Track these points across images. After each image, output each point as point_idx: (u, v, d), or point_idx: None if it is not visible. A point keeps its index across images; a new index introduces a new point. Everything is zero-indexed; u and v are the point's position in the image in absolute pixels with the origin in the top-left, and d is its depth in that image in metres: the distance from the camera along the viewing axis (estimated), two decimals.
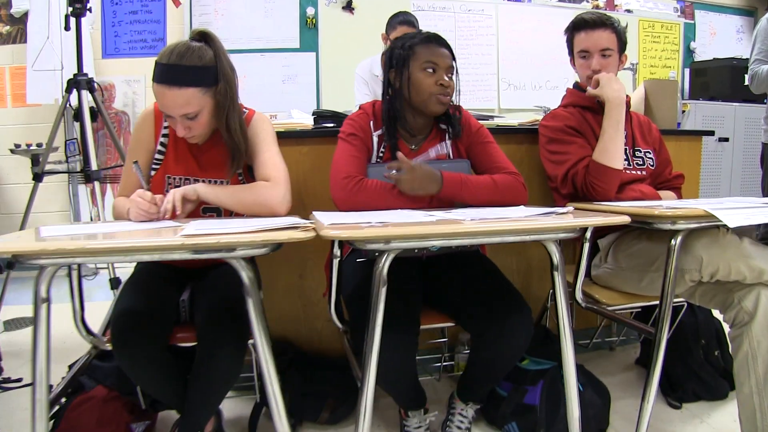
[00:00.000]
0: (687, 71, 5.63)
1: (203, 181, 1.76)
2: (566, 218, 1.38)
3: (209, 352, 1.56)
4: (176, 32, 4.73)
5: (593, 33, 2.11)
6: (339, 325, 1.78)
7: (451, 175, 1.75)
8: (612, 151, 1.98)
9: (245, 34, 4.78)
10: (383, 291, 1.32)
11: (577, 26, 2.15)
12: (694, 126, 4.51)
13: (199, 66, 1.64)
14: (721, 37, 6.03)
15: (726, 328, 1.84)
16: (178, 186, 1.74)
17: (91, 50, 4.52)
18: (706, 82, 5.01)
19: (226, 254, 1.19)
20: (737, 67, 4.88)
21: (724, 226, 1.51)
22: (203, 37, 1.72)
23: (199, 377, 1.58)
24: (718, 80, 4.94)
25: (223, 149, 1.79)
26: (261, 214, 1.67)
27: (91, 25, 4.55)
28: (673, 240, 1.58)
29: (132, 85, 4.73)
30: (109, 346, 1.57)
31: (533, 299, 2.54)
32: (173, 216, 1.65)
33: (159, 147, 1.83)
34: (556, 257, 1.44)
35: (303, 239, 1.16)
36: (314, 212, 1.60)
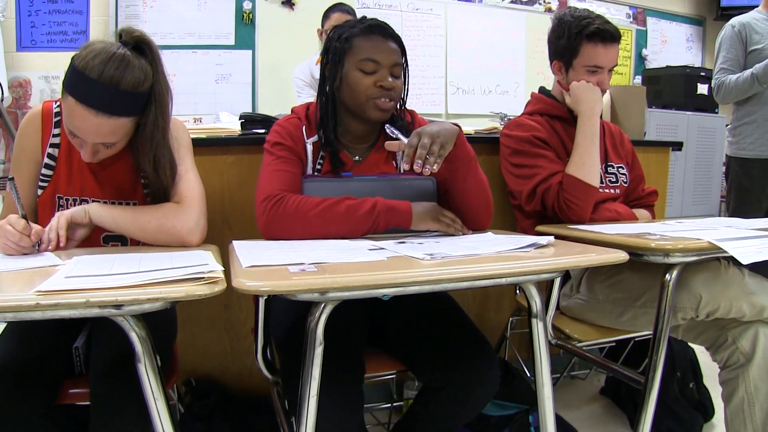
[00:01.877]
0: (638, 78, 5.55)
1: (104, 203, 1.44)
2: (549, 254, 1.11)
3: (103, 421, 1.22)
4: (100, 24, 4.33)
5: (612, 48, 1.83)
6: (267, 375, 1.48)
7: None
8: (588, 165, 1.75)
9: (176, 29, 4.41)
10: (319, 352, 1.02)
11: (593, 36, 1.80)
12: (648, 135, 4.38)
13: (138, 92, 1.31)
14: (672, 45, 6.01)
15: (701, 355, 1.65)
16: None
17: (2, 42, 4.08)
18: (659, 90, 4.91)
19: (102, 311, 0.87)
20: (690, 75, 4.80)
21: (726, 257, 1.29)
22: (141, 45, 1.36)
23: None
24: (672, 88, 4.85)
25: (128, 163, 1.47)
26: (168, 244, 1.37)
27: (1, 12, 4.12)
28: (667, 275, 1.34)
29: (50, 81, 4.31)
30: None
31: (490, 328, 2.32)
32: (58, 246, 1.32)
33: (47, 159, 1.47)
34: (536, 303, 1.16)
35: (206, 296, 0.85)
36: (234, 242, 1.28)
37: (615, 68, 1.90)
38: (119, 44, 1.33)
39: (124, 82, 1.28)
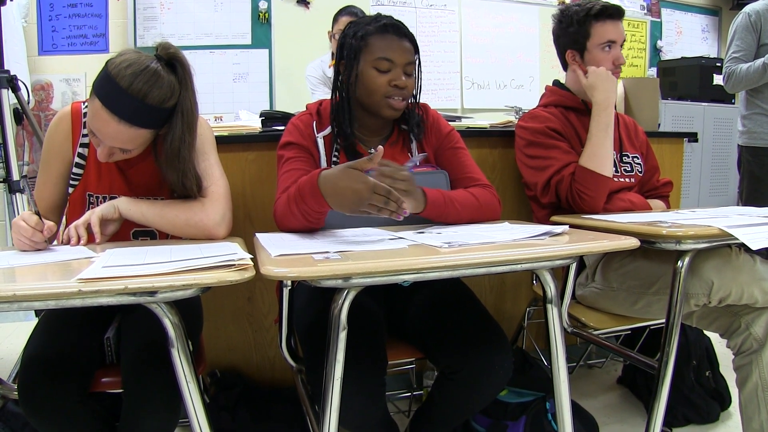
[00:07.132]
0: (654, 70, 5.52)
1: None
2: (563, 242, 1.15)
3: (135, 407, 1.29)
4: (119, 27, 4.40)
5: (619, 23, 1.89)
6: (291, 363, 1.52)
7: (434, 193, 1.48)
8: (601, 156, 1.77)
9: (193, 30, 4.47)
10: (342, 337, 1.06)
11: (600, 14, 1.87)
12: (664, 127, 4.37)
13: (162, 108, 1.35)
14: (687, 36, 5.96)
15: (718, 344, 1.66)
16: None
17: (25, 46, 4.15)
18: (675, 82, 4.89)
19: (138, 299, 0.92)
20: (706, 66, 4.77)
21: (737, 244, 1.32)
22: (173, 61, 1.39)
23: None
24: (687, 80, 4.83)
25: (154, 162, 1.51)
26: (195, 237, 1.42)
27: (24, 18, 4.20)
28: (679, 261, 1.36)
29: (72, 84, 4.37)
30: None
31: (507, 319, 2.35)
32: (92, 240, 1.37)
33: (77, 159, 1.52)
34: (551, 288, 1.20)
35: (237, 282, 0.89)
36: (257, 234, 1.33)
37: (628, 62, 1.93)
38: (153, 58, 1.36)
39: (151, 96, 1.32)
